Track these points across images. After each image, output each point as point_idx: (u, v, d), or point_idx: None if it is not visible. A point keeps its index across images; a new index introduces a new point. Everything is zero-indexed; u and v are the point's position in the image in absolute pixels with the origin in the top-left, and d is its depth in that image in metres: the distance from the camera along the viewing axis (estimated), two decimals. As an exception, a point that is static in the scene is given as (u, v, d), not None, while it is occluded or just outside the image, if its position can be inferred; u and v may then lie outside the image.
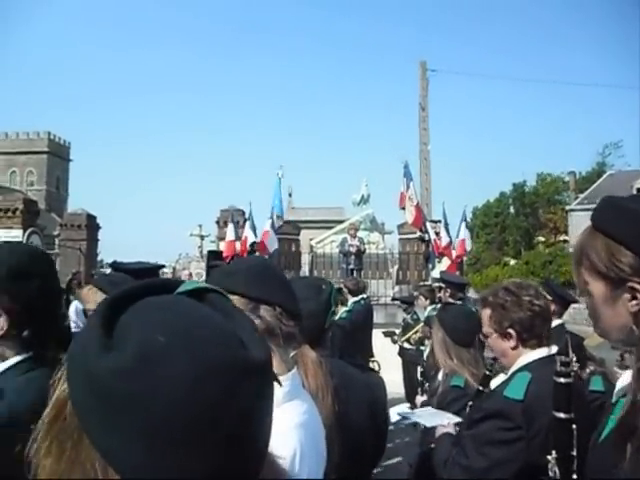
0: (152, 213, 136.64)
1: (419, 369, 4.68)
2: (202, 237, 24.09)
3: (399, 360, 8.16)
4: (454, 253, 11.35)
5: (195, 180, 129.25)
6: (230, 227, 12.88)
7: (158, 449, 0.45)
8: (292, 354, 1.38)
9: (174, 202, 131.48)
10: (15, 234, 16.92)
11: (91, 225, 20.54)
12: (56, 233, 26.10)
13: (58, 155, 70.58)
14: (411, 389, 7.35)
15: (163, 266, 3.23)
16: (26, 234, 16.83)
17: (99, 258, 25.65)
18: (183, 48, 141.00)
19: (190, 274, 17.23)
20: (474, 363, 2.81)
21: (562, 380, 1.11)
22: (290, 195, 25.62)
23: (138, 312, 0.52)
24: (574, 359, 1.14)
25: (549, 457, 1.13)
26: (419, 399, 4.21)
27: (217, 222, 19.37)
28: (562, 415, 1.10)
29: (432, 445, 2.37)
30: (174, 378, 0.46)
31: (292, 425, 1.16)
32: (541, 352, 1.92)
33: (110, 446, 0.46)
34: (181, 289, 0.57)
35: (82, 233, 19.99)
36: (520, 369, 1.90)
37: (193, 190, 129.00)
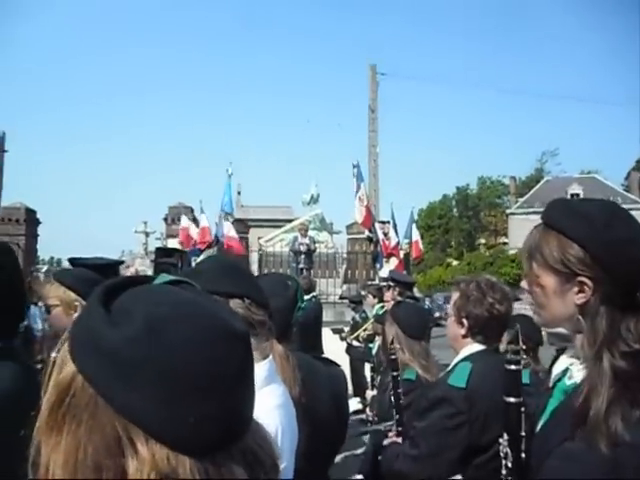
0: (94, 209, 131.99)
1: (368, 365, 4.83)
2: (147, 234, 23.47)
3: (347, 358, 8.32)
4: (402, 254, 11.65)
5: (139, 176, 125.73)
6: (203, 217, 13.10)
7: (173, 401, 0.53)
8: (261, 348, 1.45)
9: (117, 198, 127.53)
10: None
11: (30, 220, 19.66)
12: (-10, 227, 24.84)
13: (-9, 145, 67.09)
14: (358, 385, 7.56)
15: (122, 262, 3.20)
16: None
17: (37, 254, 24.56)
18: (127, 40, 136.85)
19: (136, 271, 16.81)
20: (424, 355, 3.00)
21: (513, 367, 1.22)
22: (239, 193, 25.39)
23: (134, 294, 0.60)
24: (523, 347, 1.25)
25: (500, 440, 1.23)
26: (369, 393, 4.35)
27: (165, 219, 19.01)
28: (512, 399, 1.21)
29: (384, 442, 2.50)
30: (179, 341, 0.55)
31: (273, 406, 1.26)
32: (483, 346, 2.08)
33: (132, 405, 0.53)
34: (158, 281, 0.65)
35: (20, 228, 19.12)
36: (463, 359, 2.06)
37: (137, 186, 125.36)
